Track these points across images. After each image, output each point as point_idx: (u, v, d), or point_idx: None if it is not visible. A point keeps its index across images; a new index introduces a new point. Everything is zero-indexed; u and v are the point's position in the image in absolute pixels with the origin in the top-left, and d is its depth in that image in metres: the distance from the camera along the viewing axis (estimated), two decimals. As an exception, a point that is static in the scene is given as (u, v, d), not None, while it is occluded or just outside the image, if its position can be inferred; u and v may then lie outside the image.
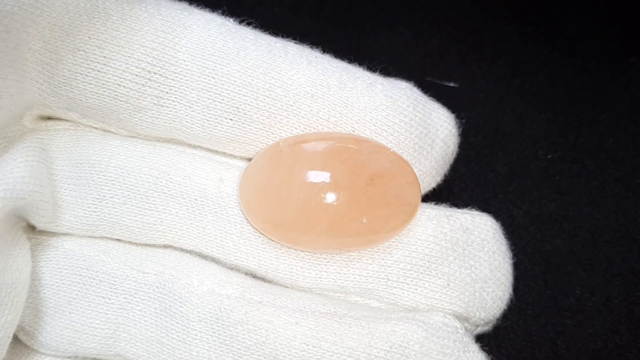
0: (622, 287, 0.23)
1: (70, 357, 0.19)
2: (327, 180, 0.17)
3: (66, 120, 0.19)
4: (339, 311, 0.18)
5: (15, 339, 0.19)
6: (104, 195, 0.18)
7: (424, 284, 0.18)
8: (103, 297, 0.18)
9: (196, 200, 0.18)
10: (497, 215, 0.20)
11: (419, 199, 0.18)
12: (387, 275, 0.18)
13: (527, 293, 0.23)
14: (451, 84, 0.26)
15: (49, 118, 0.19)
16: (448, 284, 0.18)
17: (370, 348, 0.17)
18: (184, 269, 0.18)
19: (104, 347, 0.18)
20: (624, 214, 0.24)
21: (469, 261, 0.18)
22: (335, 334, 0.17)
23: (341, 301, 0.18)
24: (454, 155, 0.19)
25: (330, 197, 0.17)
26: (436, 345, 0.17)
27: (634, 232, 0.24)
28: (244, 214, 0.18)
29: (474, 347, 0.17)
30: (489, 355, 0.18)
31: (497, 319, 0.19)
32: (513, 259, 0.23)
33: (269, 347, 0.17)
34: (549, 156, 0.25)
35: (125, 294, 0.18)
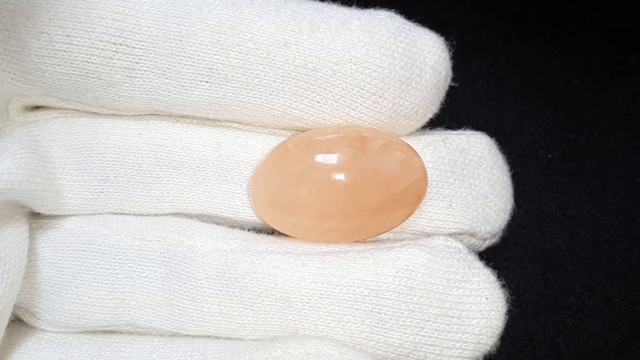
0: (622, 286, 0.23)
1: (80, 332, 0.19)
2: (339, 192, 0.17)
3: (53, 108, 0.19)
4: (343, 248, 0.18)
5: (20, 323, 0.19)
6: (107, 176, 0.19)
7: (427, 209, 0.19)
8: (108, 269, 0.18)
9: (198, 167, 0.18)
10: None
11: (426, 188, 0.18)
12: None
13: (528, 292, 0.23)
14: (451, 84, 0.26)
15: (36, 108, 0.19)
16: (450, 205, 0.18)
17: (378, 276, 0.17)
18: (186, 232, 0.18)
19: (113, 318, 0.18)
20: (624, 212, 0.24)
21: (469, 180, 0.19)
22: (342, 268, 0.17)
23: None
24: (449, 80, 0.19)
25: (340, 206, 0.17)
26: (441, 266, 0.17)
27: (634, 231, 0.24)
28: (258, 218, 0.19)
29: (479, 264, 0.18)
30: (494, 269, 0.18)
31: (503, 231, 0.20)
32: (513, 257, 0.23)
33: (279, 292, 0.17)
34: (549, 155, 0.25)
35: (129, 263, 0.18)
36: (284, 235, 0.19)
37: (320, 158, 0.17)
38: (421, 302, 0.17)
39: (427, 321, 0.17)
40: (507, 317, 0.18)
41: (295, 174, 0.17)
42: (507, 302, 0.18)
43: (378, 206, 0.17)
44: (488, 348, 0.17)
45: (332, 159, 0.17)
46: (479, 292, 0.17)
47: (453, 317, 0.17)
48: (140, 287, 0.18)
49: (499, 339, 0.18)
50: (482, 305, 0.17)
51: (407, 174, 0.17)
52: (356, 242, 0.18)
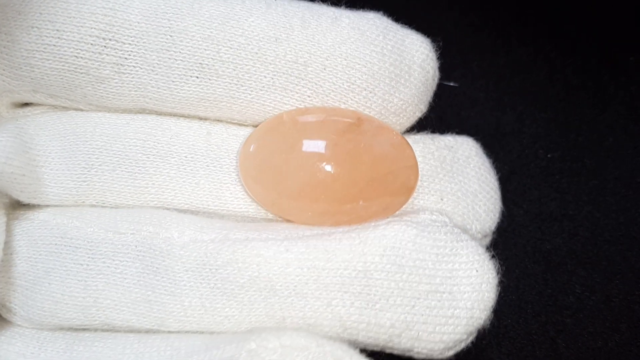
0: (622, 286, 0.23)
1: (55, 329, 0.18)
2: (329, 161, 0.17)
3: (42, 104, 0.19)
4: (327, 230, 0.17)
5: None
6: (92, 164, 0.18)
7: (418, 202, 0.18)
8: (81, 264, 0.17)
9: (186, 157, 0.18)
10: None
11: (417, 181, 0.18)
12: None
13: (527, 292, 0.23)
14: (451, 84, 0.26)
15: (25, 105, 0.19)
16: (441, 199, 0.18)
17: (365, 256, 0.17)
18: (162, 223, 0.18)
19: (87, 317, 0.17)
20: (623, 212, 0.24)
21: (458, 177, 0.19)
22: (327, 251, 0.17)
23: None
24: (436, 80, 0.19)
25: (330, 177, 0.17)
26: (429, 240, 0.17)
27: (633, 231, 0.24)
28: (243, 187, 0.18)
29: (466, 237, 0.17)
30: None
31: (493, 232, 0.19)
32: (513, 257, 0.23)
33: (263, 280, 0.17)
34: (548, 155, 0.25)
35: (103, 258, 0.17)
36: (265, 221, 0.19)
37: (315, 128, 0.17)
38: (411, 280, 0.17)
39: (418, 299, 0.17)
40: (499, 288, 0.17)
41: (288, 142, 0.17)
42: (498, 273, 0.17)
43: (366, 183, 0.17)
44: (481, 322, 0.17)
45: (327, 129, 0.17)
46: (468, 265, 0.17)
47: (444, 292, 0.17)
48: (115, 284, 0.17)
49: (492, 312, 0.17)
50: (473, 278, 0.17)
51: (399, 157, 0.17)
52: (339, 225, 0.18)
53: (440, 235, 0.17)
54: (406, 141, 0.18)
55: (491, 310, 0.17)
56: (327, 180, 0.17)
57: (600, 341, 0.22)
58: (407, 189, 0.18)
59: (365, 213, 0.18)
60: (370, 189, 0.17)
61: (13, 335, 0.18)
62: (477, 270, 0.17)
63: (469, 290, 0.17)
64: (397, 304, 0.17)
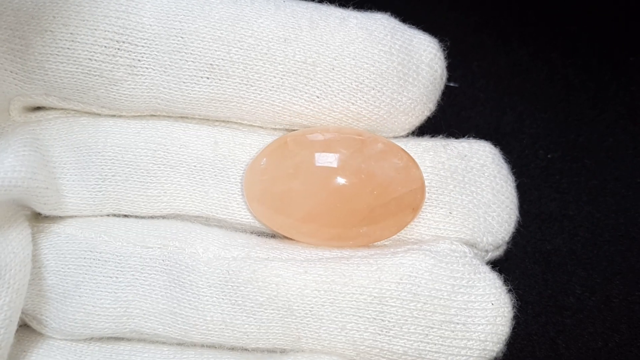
0: (622, 286, 0.23)
1: (86, 340, 0.19)
2: (341, 174, 0.17)
3: (54, 108, 0.19)
4: (346, 254, 0.18)
5: (30, 329, 0.19)
6: (105, 175, 0.19)
7: (426, 215, 0.18)
8: (110, 277, 0.18)
9: (195, 166, 0.19)
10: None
11: (423, 201, 0.18)
12: None
13: (527, 292, 0.23)
14: (451, 84, 0.26)
15: (37, 109, 0.19)
16: (450, 212, 0.18)
17: (381, 283, 0.17)
18: (187, 239, 0.18)
19: (118, 326, 0.18)
20: (624, 213, 0.24)
21: (470, 187, 0.18)
22: (344, 275, 0.17)
23: None
24: (444, 80, 0.19)
25: (331, 205, 0.17)
26: (445, 271, 0.17)
27: (633, 231, 0.24)
28: (248, 210, 0.18)
29: (484, 269, 0.17)
30: (497, 272, 0.18)
31: (508, 243, 0.19)
32: (513, 257, 0.23)
33: (282, 300, 0.17)
34: (549, 155, 0.25)
35: (132, 271, 0.18)
36: (286, 238, 0.19)
37: (317, 155, 0.17)
38: (425, 309, 0.17)
39: (432, 328, 0.17)
40: (513, 322, 0.17)
41: (290, 167, 0.17)
42: (513, 308, 0.17)
43: (369, 210, 0.17)
44: (494, 354, 0.17)
45: (328, 157, 0.17)
46: (484, 298, 0.17)
47: (458, 323, 0.17)
48: (144, 296, 0.18)
49: (504, 345, 0.17)
50: (488, 311, 0.17)
51: (404, 182, 0.17)
52: (353, 247, 0.18)
53: (458, 267, 0.17)
54: (412, 161, 0.18)
55: (504, 343, 0.17)
56: (329, 209, 0.17)
57: (600, 341, 0.22)
58: (413, 209, 0.18)
59: (369, 238, 0.18)
60: (374, 215, 0.17)
61: (51, 349, 0.18)
62: (492, 304, 0.17)
63: (483, 323, 0.17)
64: (410, 332, 0.17)
